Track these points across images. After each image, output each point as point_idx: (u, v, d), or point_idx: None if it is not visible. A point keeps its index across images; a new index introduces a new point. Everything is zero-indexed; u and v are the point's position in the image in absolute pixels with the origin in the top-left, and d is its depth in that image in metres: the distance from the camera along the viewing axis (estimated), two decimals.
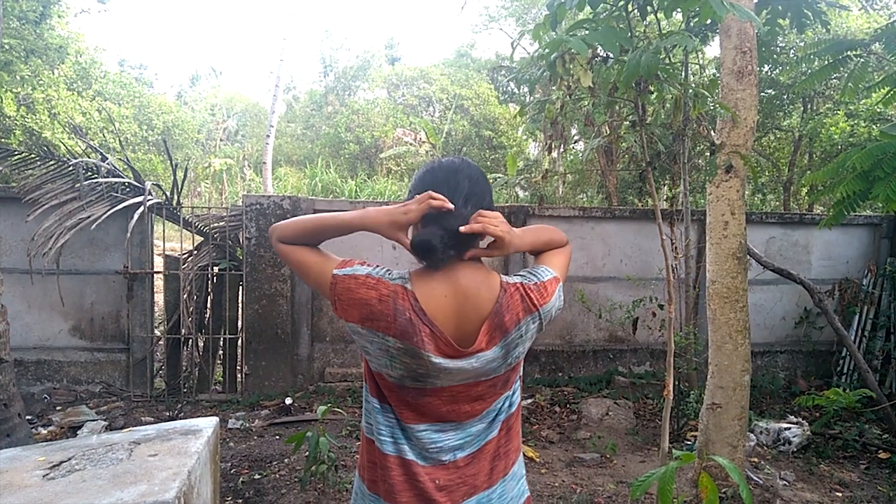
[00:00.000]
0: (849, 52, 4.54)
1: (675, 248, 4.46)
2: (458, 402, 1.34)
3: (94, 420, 5.17)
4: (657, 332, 5.75)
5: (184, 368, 6.07)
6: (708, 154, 4.05)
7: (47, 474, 2.43)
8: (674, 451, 2.45)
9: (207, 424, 3.08)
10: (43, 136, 11.27)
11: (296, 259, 1.41)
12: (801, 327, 7.06)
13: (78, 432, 4.93)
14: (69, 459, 2.58)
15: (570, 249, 1.59)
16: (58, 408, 5.53)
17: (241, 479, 4.20)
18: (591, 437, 5.19)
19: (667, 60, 3.00)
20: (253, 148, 23.44)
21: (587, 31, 2.49)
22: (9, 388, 4.09)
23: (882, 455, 4.96)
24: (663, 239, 2.85)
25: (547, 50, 2.65)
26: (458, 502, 1.33)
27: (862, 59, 4.52)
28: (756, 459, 4.79)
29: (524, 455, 4.79)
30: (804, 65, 6.02)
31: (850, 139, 7.82)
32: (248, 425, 5.30)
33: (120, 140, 13.03)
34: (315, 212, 6.24)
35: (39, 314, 5.86)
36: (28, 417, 4.96)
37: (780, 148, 11.09)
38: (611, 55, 2.77)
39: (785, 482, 4.40)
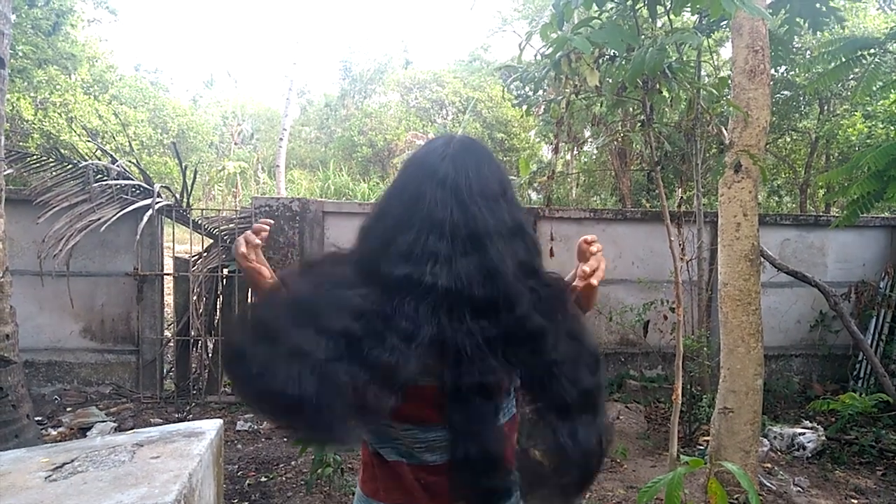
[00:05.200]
0: (863, 52, 4.46)
1: (684, 249, 4.41)
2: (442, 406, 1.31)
3: (103, 421, 5.18)
4: (669, 336, 5.68)
5: (193, 370, 6.08)
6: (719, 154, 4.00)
7: (49, 476, 2.43)
8: (683, 456, 2.40)
9: (211, 427, 3.06)
10: (60, 139, 11.40)
11: None
12: (816, 331, 6.94)
13: (88, 433, 4.95)
14: (72, 461, 2.58)
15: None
16: (68, 409, 5.55)
17: (247, 481, 4.19)
18: None
19: (679, 59, 2.96)
20: (267, 151, 23.56)
21: (593, 30, 2.45)
22: (18, 390, 4.11)
23: None
24: (672, 240, 2.81)
25: (552, 48, 2.62)
26: None
27: (876, 59, 4.44)
28: (770, 465, 4.71)
29: None
30: (820, 65, 5.95)
31: (868, 141, 7.71)
32: (255, 427, 5.30)
33: (131, 143, 13.13)
34: (324, 214, 6.24)
35: (50, 316, 5.90)
36: (38, 419, 4.99)
37: (797, 149, 10.96)
38: (617, 54, 2.73)
39: (799, 488, 4.32)
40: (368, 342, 1.04)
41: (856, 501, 4.19)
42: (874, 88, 4.61)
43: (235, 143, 26.25)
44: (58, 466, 2.52)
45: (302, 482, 4.13)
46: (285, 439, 5.07)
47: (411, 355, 1.06)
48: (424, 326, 1.08)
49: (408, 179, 1.25)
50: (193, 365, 6.09)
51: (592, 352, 1.23)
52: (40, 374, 5.88)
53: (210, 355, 6.13)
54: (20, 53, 10.72)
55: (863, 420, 5.47)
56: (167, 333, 6.41)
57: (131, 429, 5.01)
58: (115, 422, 5.24)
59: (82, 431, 5.03)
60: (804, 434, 5.05)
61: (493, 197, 1.21)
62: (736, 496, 3.84)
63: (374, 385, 1.04)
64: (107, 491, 2.28)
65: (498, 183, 1.25)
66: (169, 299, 6.69)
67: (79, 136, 11.74)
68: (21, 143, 10.85)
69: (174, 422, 5.15)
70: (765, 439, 5.01)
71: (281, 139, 16.07)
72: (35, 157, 6.16)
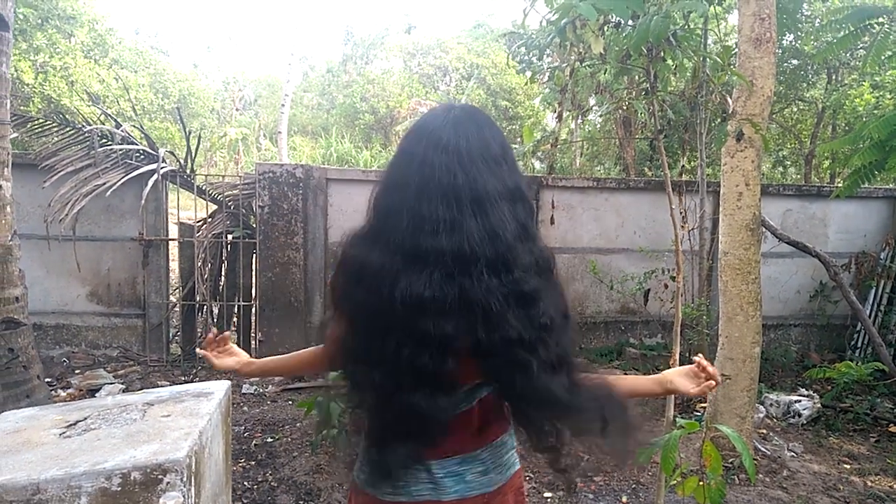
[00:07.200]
0: (872, 21, 4.42)
1: (685, 218, 4.43)
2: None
3: (111, 383, 5.28)
4: (669, 304, 5.73)
5: (199, 334, 6.16)
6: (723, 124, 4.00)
7: (63, 433, 2.49)
8: (678, 420, 2.46)
9: (219, 388, 3.13)
10: (61, 103, 11.35)
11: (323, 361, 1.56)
12: (815, 301, 6.99)
13: (96, 395, 5.05)
14: (85, 419, 2.64)
15: None
16: (77, 371, 5.65)
17: (254, 442, 4.29)
18: None
19: (685, 27, 2.95)
20: (268, 117, 23.42)
21: None
22: (28, 351, 4.18)
23: (892, 429, 4.94)
24: (673, 208, 2.83)
25: (557, 15, 2.61)
26: (440, 458, 1.31)
27: (886, 28, 4.40)
28: (765, 431, 4.80)
29: None
30: (829, 34, 5.89)
31: (875, 111, 7.66)
32: (261, 390, 5.40)
33: (134, 108, 13.05)
34: (328, 181, 6.25)
35: (58, 279, 5.96)
36: (48, 380, 5.08)
37: (803, 120, 10.89)
38: (622, 21, 2.72)
39: (793, 453, 4.40)
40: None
41: (848, 466, 4.28)
42: (883, 58, 4.57)
43: (237, 109, 26.09)
44: (71, 424, 2.58)
45: (307, 443, 4.23)
46: (290, 402, 5.17)
47: (447, 322, 1.14)
48: (447, 290, 1.13)
49: (411, 147, 1.26)
50: (199, 329, 6.17)
51: (569, 315, 1.30)
52: (49, 337, 5.97)
53: (215, 320, 6.21)
54: (21, 15, 10.61)
55: (858, 388, 5.54)
56: (173, 298, 6.48)
57: (139, 390, 5.10)
58: (122, 384, 5.33)
59: (91, 393, 5.13)
60: (800, 401, 5.13)
61: (494, 160, 1.24)
62: (731, 460, 3.93)
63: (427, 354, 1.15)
64: (120, 447, 2.34)
65: (499, 146, 1.27)
66: (174, 264, 6.76)
67: (81, 99, 11.68)
68: (22, 108, 10.80)
69: (181, 384, 5.25)
70: (761, 406, 5.09)
71: (283, 105, 15.99)
72: (38, 121, 6.16)
